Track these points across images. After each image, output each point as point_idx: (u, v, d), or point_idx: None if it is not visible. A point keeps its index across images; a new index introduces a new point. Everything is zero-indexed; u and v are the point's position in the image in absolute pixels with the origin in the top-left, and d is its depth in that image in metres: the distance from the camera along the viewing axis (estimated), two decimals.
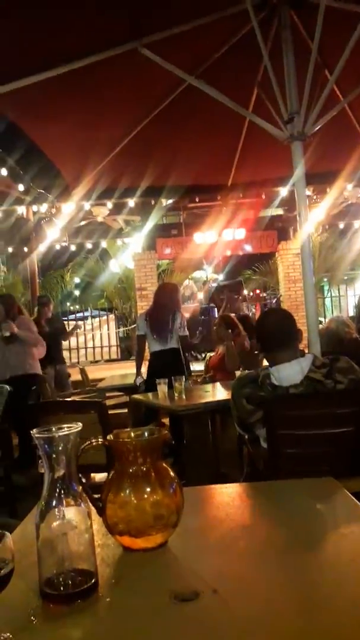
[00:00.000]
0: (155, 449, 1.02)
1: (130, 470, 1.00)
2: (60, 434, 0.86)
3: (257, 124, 3.45)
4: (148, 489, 0.99)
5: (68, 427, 0.87)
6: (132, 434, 1.07)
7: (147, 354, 4.64)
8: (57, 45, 2.98)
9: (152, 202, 8.66)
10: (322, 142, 4.08)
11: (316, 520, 1.16)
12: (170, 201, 9.00)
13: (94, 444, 0.99)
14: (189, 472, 3.81)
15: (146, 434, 1.06)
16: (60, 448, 0.86)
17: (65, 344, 11.50)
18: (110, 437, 1.02)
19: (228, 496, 1.39)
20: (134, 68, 3.43)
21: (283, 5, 3.17)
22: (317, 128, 3.21)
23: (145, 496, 0.99)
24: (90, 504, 0.90)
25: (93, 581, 0.86)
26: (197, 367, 7.24)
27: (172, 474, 1.04)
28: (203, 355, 8.60)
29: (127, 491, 0.99)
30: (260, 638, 0.73)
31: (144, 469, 1.00)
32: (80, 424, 0.88)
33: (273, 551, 1.00)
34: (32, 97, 3.22)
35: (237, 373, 3.22)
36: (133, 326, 8.13)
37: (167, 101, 3.90)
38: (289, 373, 1.97)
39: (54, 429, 0.87)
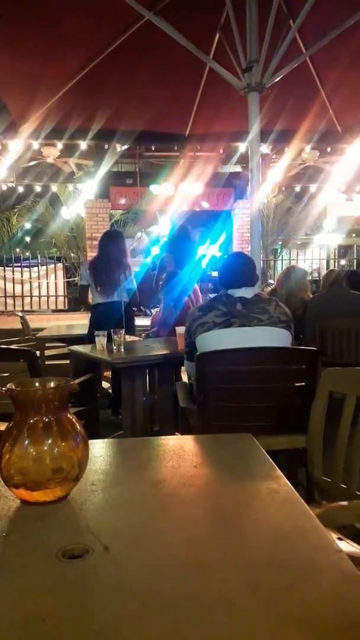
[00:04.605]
0: (59, 400, 0.96)
1: (31, 421, 0.94)
2: None
3: (216, 71, 3.30)
4: (48, 441, 0.94)
5: None
6: (37, 384, 1.01)
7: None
8: None
9: (106, 147, 8.25)
10: (281, 98, 3.97)
11: (225, 477, 1.14)
12: (125, 147, 8.63)
13: None
14: (124, 424, 3.80)
15: (51, 384, 1.00)
16: None
17: (9, 290, 11.11)
18: (11, 385, 0.95)
19: (145, 450, 1.36)
20: None
21: None
22: (275, 79, 3.11)
23: (45, 448, 0.93)
24: None
25: None
26: (145, 322, 7.17)
27: (78, 427, 0.99)
28: (152, 311, 8.52)
29: (25, 442, 0.93)
30: (144, 598, 0.70)
31: (46, 420, 0.94)
32: None
33: (176, 507, 0.97)
34: None
35: (179, 329, 3.16)
36: None
37: (123, 37, 3.67)
38: (244, 292, 2.21)
39: None
